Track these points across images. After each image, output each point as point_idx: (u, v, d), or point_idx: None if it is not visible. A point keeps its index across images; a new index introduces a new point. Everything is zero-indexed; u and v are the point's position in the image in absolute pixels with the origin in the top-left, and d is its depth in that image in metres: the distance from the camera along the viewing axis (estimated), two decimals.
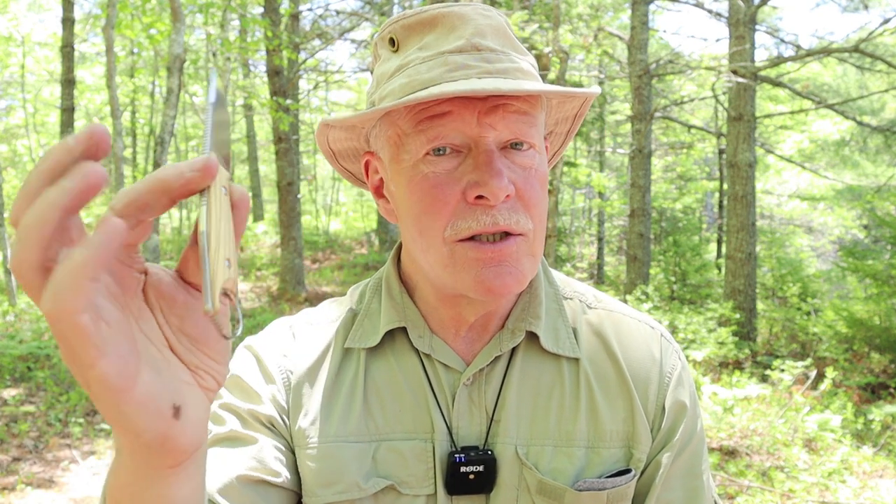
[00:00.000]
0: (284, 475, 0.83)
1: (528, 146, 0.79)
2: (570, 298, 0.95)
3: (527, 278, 0.80)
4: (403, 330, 0.89)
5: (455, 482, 0.83)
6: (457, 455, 0.83)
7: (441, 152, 0.78)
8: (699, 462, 0.91)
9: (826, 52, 9.88)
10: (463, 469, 0.82)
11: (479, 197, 0.76)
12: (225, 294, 0.47)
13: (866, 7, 11.33)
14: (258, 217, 20.05)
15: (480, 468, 0.83)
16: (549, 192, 7.53)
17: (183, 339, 0.50)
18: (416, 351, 0.89)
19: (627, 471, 0.86)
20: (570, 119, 0.92)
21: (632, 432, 0.87)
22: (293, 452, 0.87)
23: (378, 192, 0.89)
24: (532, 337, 0.89)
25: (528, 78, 0.80)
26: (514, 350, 0.89)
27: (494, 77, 0.77)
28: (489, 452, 0.84)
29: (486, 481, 0.83)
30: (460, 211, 0.77)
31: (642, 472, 0.88)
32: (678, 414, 0.89)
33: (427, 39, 0.81)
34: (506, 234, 0.77)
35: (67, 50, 12.43)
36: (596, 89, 0.84)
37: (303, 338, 0.93)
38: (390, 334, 0.90)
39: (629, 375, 0.89)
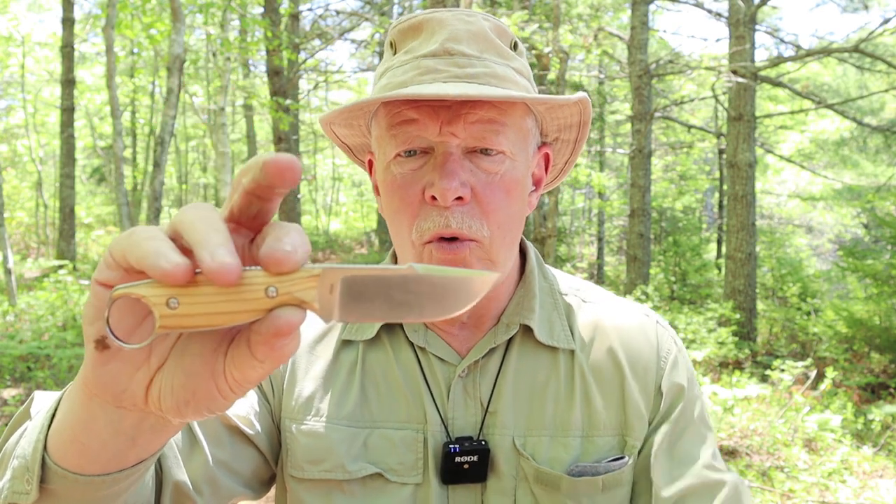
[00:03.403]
0: (258, 430, 0.86)
1: (496, 152, 0.81)
2: (566, 294, 0.97)
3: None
4: (400, 324, 0.92)
5: (449, 472, 0.85)
6: (451, 445, 0.85)
7: (411, 154, 0.81)
8: (701, 441, 0.90)
9: (826, 52, 9.87)
10: (457, 459, 0.84)
11: (433, 197, 0.78)
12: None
13: (866, 7, 11.33)
14: None
15: (475, 458, 0.85)
16: (549, 191, 7.52)
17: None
18: (412, 344, 0.91)
19: (621, 457, 0.88)
20: (576, 126, 0.92)
21: (623, 421, 0.89)
22: (272, 417, 0.90)
23: (377, 189, 0.93)
24: (527, 331, 0.91)
25: (501, 83, 0.81)
26: (509, 344, 0.91)
27: (462, 81, 0.79)
28: (483, 443, 0.86)
29: (480, 471, 0.85)
30: (422, 212, 0.80)
31: (640, 454, 0.90)
32: (675, 396, 0.91)
33: (413, 44, 0.85)
34: (457, 239, 0.80)
35: (67, 50, 12.42)
36: (575, 97, 0.84)
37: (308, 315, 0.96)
38: (387, 327, 0.93)
39: (626, 364, 0.91)
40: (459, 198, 0.78)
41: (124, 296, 0.42)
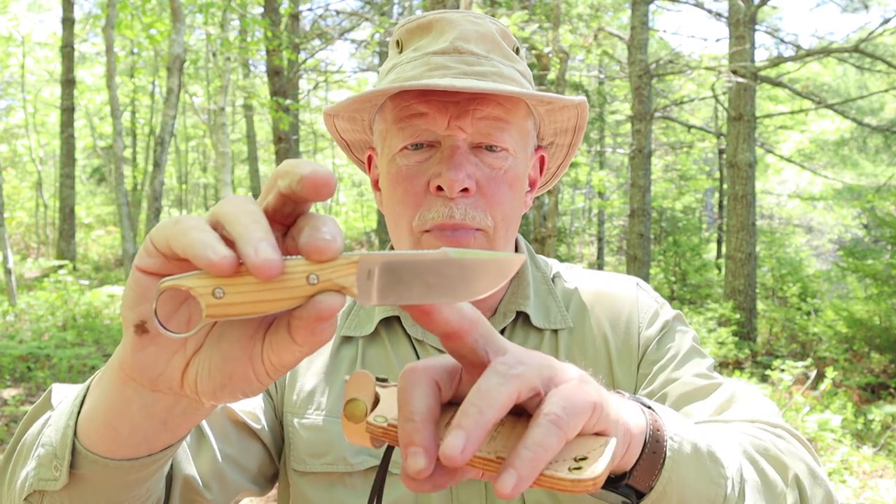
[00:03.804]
0: (263, 425, 0.87)
1: (500, 149, 0.84)
2: (556, 277, 1.00)
3: None
4: (398, 318, 0.94)
5: None
6: None
7: (418, 147, 0.84)
8: (689, 367, 0.89)
9: (826, 52, 9.88)
10: None
11: (439, 188, 0.81)
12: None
13: (866, 7, 11.33)
14: None
15: None
16: (549, 192, 7.52)
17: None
18: (410, 338, 0.93)
19: None
20: (571, 131, 0.96)
21: (611, 383, 0.91)
22: (275, 412, 0.92)
23: (376, 185, 0.95)
24: (520, 317, 0.94)
25: (507, 82, 0.84)
26: (503, 331, 0.93)
27: (471, 78, 0.82)
28: None
29: None
30: (426, 202, 0.82)
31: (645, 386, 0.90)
32: (659, 335, 0.92)
33: (421, 42, 0.88)
34: (460, 228, 0.82)
35: (67, 50, 12.42)
36: (577, 98, 0.88)
37: None
38: (385, 323, 0.94)
39: (608, 326, 0.93)
40: (465, 189, 0.81)
41: (172, 287, 0.44)
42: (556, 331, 0.93)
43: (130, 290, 0.47)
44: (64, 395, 0.71)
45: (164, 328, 0.45)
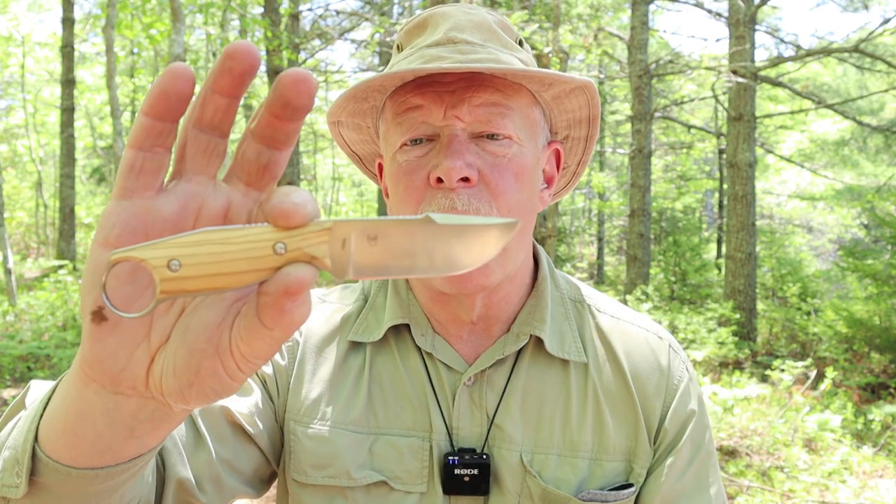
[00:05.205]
0: (260, 429, 0.84)
1: (503, 136, 0.79)
2: (578, 302, 0.95)
3: (493, 271, 0.80)
4: (407, 327, 0.90)
5: (450, 483, 0.83)
6: (451, 457, 0.83)
7: (417, 142, 0.80)
8: (706, 475, 0.89)
9: (826, 52, 9.88)
10: (457, 471, 0.82)
11: (439, 180, 0.77)
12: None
13: (866, 7, 11.34)
14: None
15: (475, 471, 0.83)
16: None
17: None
18: (419, 349, 0.89)
19: (629, 485, 0.85)
20: (585, 122, 0.90)
21: (634, 448, 0.87)
22: (275, 417, 0.89)
23: (387, 193, 0.91)
24: (537, 342, 0.88)
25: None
26: (518, 356, 0.88)
27: (465, 66, 0.78)
28: (485, 457, 0.83)
29: (481, 484, 0.83)
30: (427, 196, 0.79)
31: (645, 481, 0.88)
32: (684, 423, 0.89)
33: (418, 40, 0.86)
34: None
35: (67, 50, 12.42)
36: (579, 78, 0.82)
37: (315, 312, 0.94)
38: (395, 330, 0.90)
39: (634, 387, 0.88)
40: (466, 179, 0.76)
41: (123, 260, 0.39)
42: (585, 365, 0.88)
43: (88, 273, 0.43)
44: (39, 393, 0.67)
45: (115, 308, 0.40)
